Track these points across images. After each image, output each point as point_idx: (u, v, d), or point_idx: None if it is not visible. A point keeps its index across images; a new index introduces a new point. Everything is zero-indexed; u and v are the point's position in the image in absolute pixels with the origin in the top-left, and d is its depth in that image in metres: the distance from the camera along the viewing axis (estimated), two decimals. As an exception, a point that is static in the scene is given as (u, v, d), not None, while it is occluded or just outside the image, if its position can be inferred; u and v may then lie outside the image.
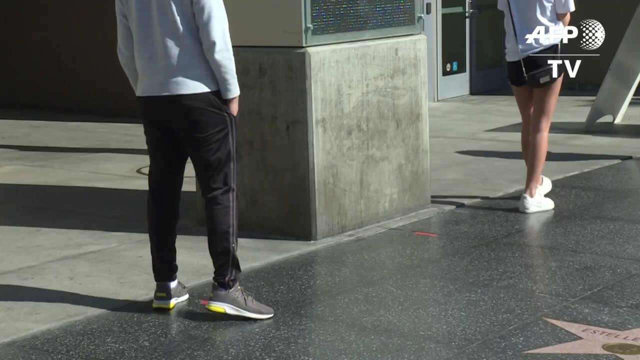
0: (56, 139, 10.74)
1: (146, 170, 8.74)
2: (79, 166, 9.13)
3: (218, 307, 5.04)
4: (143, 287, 5.60)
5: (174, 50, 4.96)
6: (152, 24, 4.99)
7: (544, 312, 5.11)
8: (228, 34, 5.00)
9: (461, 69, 13.62)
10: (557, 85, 7.27)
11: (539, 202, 7.26)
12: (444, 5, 13.11)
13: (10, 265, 6.09)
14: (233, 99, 5.07)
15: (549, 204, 7.31)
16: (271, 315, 5.09)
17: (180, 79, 4.97)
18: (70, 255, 6.27)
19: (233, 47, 6.59)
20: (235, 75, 5.04)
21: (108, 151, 9.80)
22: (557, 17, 7.22)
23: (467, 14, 13.59)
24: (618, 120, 10.85)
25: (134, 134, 10.82)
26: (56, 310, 5.27)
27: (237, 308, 5.04)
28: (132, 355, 4.66)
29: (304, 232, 6.47)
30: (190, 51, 4.97)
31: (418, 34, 7.12)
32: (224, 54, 4.96)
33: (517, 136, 10.22)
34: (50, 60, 13.04)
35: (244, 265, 5.98)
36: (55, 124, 11.74)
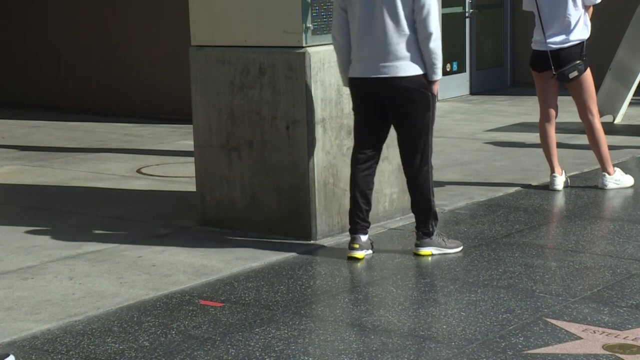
0: (56, 139, 10.74)
1: (146, 171, 8.80)
2: (79, 166, 9.12)
3: (426, 251, 6.12)
4: (143, 287, 5.60)
5: (396, 39, 5.90)
6: (374, 17, 5.92)
7: (544, 312, 5.10)
8: (439, 26, 5.97)
9: (461, 69, 13.62)
10: (587, 77, 7.64)
11: (617, 179, 7.77)
12: (444, 5, 13.07)
13: (10, 265, 6.08)
14: (437, 80, 5.97)
15: (629, 181, 7.79)
16: (462, 247, 6.23)
17: (399, 63, 5.91)
18: (70, 255, 6.27)
19: (233, 47, 6.66)
20: (442, 61, 5.96)
21: (108, 151, 9.79)
22: (585, 9, 7.60)
23: (467, 14, 13.59)
24: (618, 120, 10.85)
25: (134, 134, 10.82)
26: (56, 310, 5.27)
27: (440, 249, 6.14)
28: (132, 355, 4.66)
29: (304, 232, 6.46)
30: (407, 40, 5.90)
31: (418, 34, 7.12)
32: (437, 43, 5.90)
33: (517, 136, 10.28)
34: (50, 61, 13.04)
35: (244, 265, 5.99)
36: (55, 124, 11.73)
